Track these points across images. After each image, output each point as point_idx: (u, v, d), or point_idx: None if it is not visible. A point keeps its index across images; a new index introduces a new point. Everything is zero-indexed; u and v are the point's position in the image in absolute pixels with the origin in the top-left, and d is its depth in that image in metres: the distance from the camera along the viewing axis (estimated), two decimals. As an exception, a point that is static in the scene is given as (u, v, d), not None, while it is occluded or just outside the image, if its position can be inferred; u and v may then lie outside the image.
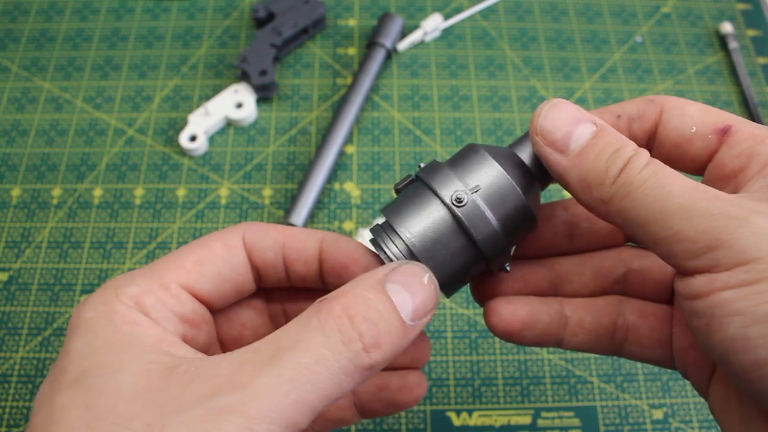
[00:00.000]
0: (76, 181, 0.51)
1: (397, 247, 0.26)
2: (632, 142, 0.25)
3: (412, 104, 0.55)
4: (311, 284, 0.30)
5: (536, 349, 0.46)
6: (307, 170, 0.50)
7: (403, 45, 0.57)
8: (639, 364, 0.45)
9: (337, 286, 0.25)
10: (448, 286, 0.27)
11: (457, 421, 0.43)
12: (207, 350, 0.28)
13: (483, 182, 0.26)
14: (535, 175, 0.28)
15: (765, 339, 0.20)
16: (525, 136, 0.28)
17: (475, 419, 0.43)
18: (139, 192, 0.51)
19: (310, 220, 0.50)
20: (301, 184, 0.49)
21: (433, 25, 0.57)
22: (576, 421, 0.44)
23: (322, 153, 0.50)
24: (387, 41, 0.55)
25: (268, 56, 0.53)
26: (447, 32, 0.59)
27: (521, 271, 0.31)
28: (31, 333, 0.46)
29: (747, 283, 0.20)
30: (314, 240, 0.29)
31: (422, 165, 0.28)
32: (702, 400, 0.44)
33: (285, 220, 0.48)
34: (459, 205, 0.26)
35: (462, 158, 0.27)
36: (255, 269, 0.29)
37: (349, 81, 0.56)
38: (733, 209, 0.22)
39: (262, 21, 0.56)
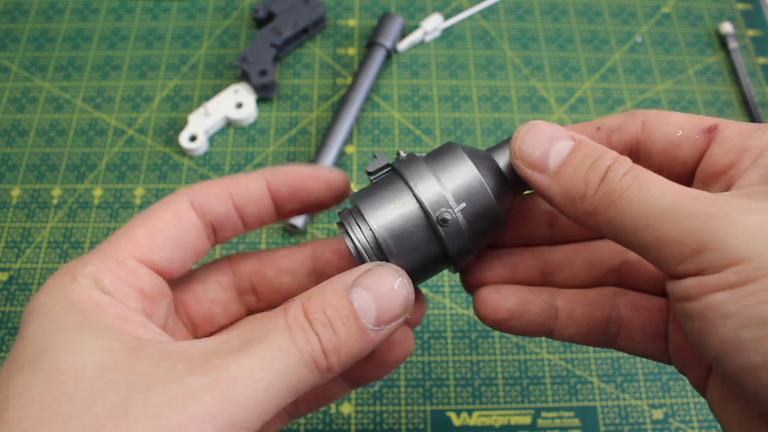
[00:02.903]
0: (76, 181, 0.51)
1: (363, 234, 0.26)
2: (612, 151, 0.25)
3: (412, 104, 0.55)
4: (270, 221, 0.30)
5: (536, 349, 0.46)
6: (307, 170, 0.50)
7: (403, 45, 0.57)
8: (639, 364, 0.45)
9: (298, 212, 0.27)
10: (414, 277, 0.27)
11: (457, 421, 0.43)
12: (164, 325, 0.28)
13: (457, 182, 0.27)
14: (510, 182, 0.28)
15: (757, 342, 0.20)
16: (504, 143, 0.29)
17: (475, 419, 0.43)
18: (139, 192, 0.51)
19: (310, 220, 0.50)
20: (301, 184, 0.49)
21: (433, 25, 0.57)
22: (576, 421, 0.44)
23: (322, 153, 0.50)
24: (387, 41, 0.55)
25: (268, 56, 0.53)
26: (447, 32, 0.59)
27: (512, 258, 0.31)
28: (31, 333, 0.46)
29: (738, 285, 0.20)
30: (257, 177, 0.29)
31: (402, 153, 0.27)
32: (702, 400, 0.44)
33: (285, 220, 0.48)
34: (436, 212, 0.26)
35: (440, 156, 0.27)
36: (210, 227, 0.29)
37: (349, 81, 0.56)
38: (719, 208, 0.21)
39: (262, 21, 0.56)
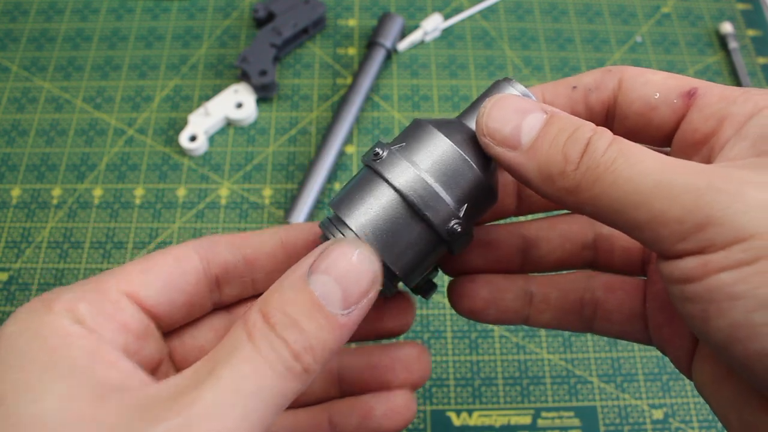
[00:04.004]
0: (76, 181, 0.51)
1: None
2: (589, 122, 0.23)
3: (412, 104, 0.55)
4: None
5: (536, 349, 0.46)
6: (307, 170, 0.50)
7: (403, 45, 0.57)
8: (639, 364, 0.45)
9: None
10: (409, 273, 0.25)
11: (457, 421, 0.43)
12: (156, 368, 0.26)
13: (433, 159, 0.24)
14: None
15: None
16: (473, 105, 0.27)
17: (475, 419, 0.43)
18: (139, 192, 0.51)
19: (310, 220, 0.50)
20: (301, 184, 0.49)
21: (433, 25, 0.57)
22: (576, 421, 0.44)
23: (322, 153, 0.50)
24: (387, 41, 0.55)
25: (268, 56, 0.53)
26: (447, 32, 0.59)
27: (488, 238, 0.30)
28: (31, 333, 0.46)
29: (746, 263, 0.18)
30: (271, 233, 0.28)
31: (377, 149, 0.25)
32: (702, 400, 0.44)
33: (285, 221, 0.48)
34: (409, 189, 0.24)
35: (408, 137, 0.25)
36: (215, 280, 0.27)
37: (349, 81, 0.56)
38: (721, 182, 0.19)
39: (262, 21, 0.56)
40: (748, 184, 0.19)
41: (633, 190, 0.20)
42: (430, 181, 0.24)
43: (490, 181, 0.25)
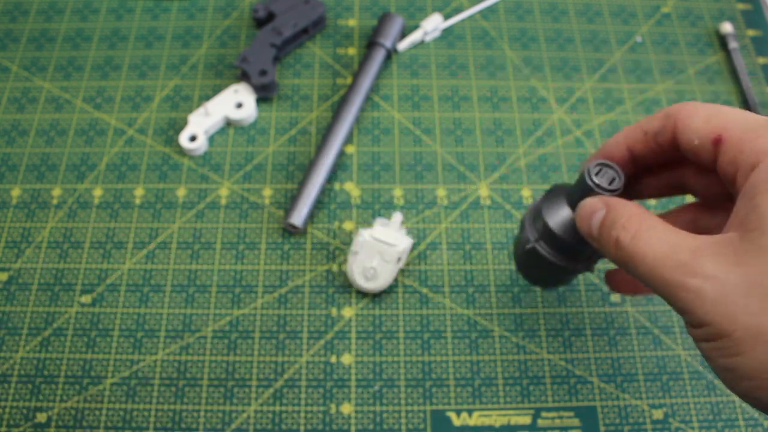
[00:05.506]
0: (76, 181, 0.51)
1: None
2: (624, 214, 0.29)
3: (412, 104, 0.55)
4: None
5: (536, 349, 0.46)
6: (307, 170, 0.50)
7: (403, 45, 0.57)
8: (639, 364, 0.45)
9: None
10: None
11: (457, 421, 0.43)
12: None
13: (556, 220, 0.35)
14: None
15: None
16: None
17: (475, 419, 0.43)
18: (139, 192, 0.51)
19: (311, 220, 0.50)
20: (301, 184, 0.49)
21: (433, 25, 0.57)
22: (576, 421, 0.44)
23: (322, 153, 0.50)
24: (387, 41, 0.55)
25: (268, 56, 0.53)
26: (447, 32, 0.59)
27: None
28: (31, 333, 0.46)
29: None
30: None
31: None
32: (702, 400, 0.44)
33: (285, 221, 0.48)
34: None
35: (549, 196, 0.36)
36: None
37: (349, 81, 0.56)
38: (694, 280, 0.25)
39: (262, 21, 0.56)
40: (715, 281, 0.24)
41: (648, 277, 0.27)
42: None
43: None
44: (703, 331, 0.25)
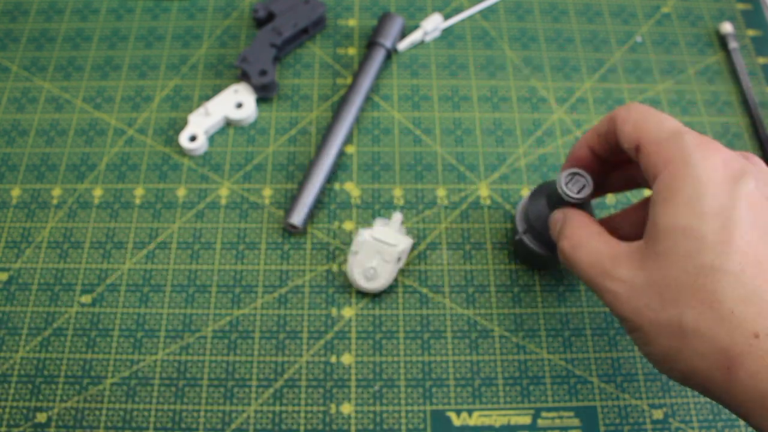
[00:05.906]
0: (76, 181, 0.51)
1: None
2: (573, 225, 0.34)
3: (412, 104, 0.55)
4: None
5: (536, 349, 0.46)
6: (307, 170, 0.50)
7: (403, 45, 0.57)
8: (639, 365, 0.45)
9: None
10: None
11: (457, 421, 0.43)
12: None
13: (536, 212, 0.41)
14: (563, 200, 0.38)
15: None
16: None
17: (475, 419, 0.43)
18: (139, 192, 0.51)
19: (311, 220, 0.50)
20: (301, 184, 0.49)
21: (433, 25, 0.57)
22: (576, 421, 0.44)
23: (322, 153, 0.50)
24: (387, 41, 0.55)
25: (268, 56, 0.53)
26: (447, 32, 0.59)
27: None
28: (31, 333, 0.46)
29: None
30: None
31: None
32: (702, 400, 0.44)
33: (285, 221, 0.48)
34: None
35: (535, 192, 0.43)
36: None
37: (349, 81, 0.56)
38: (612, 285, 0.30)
39: (262, 21, 0.56)
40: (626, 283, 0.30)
41: (583, 279, 0.33)
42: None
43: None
44: (625, 325, 0.30)
